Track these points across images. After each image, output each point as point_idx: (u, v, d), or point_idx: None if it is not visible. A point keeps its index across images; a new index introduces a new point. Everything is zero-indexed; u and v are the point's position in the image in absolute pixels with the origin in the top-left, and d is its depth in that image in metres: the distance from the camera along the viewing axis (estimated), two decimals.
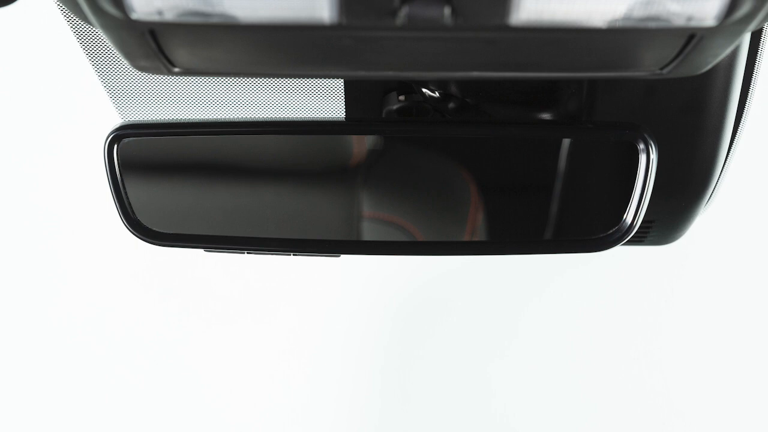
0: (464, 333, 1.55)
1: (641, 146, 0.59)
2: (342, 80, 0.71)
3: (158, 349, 1.55)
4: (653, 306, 1.54)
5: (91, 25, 0.35)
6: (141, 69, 0.38)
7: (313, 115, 0.74)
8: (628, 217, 0.61)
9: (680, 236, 0.75)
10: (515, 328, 1.55)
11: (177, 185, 0.65)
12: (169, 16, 0.33)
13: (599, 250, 0.63)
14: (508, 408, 1.54)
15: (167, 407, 1.55)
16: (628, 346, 1.54)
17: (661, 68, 0.38)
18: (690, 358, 1.53)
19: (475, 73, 0.38)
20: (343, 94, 0.72)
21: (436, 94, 0.71)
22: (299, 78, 0.70)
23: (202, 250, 0.64)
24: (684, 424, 1.52)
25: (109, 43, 0.36)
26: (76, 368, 1.54)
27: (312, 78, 0.69)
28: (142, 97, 0.73)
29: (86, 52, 0.69)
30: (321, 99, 0.72)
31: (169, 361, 1.55)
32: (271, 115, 0.75)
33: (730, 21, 0.33)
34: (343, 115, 0.74)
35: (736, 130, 0.67)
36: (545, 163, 0.63)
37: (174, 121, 0.66)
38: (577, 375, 1.54)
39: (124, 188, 0.61)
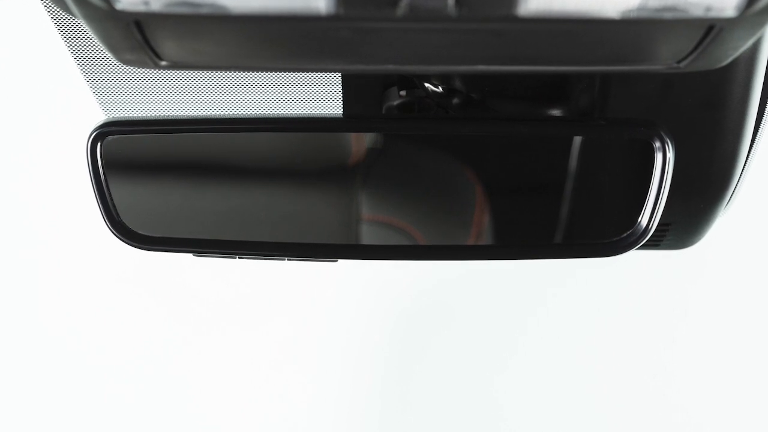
0: (468, 341, 1.55)
1: (657, 144, 0.59)
2: (339, 74, 0.71)
3: (146, 358, 1.55)
4: (669, 314, 1.54)
5: (72, 15, 0.35)
6: (126, 63, 0.38)
7: (309, 112, 0.74)
8: (643, 219, 0.61)
9: (698, 240, 0.75)
10: (522, 337, 1.55)
11: (164, 186, 0.65)
12: (155, 7, 0.33)
13: (612, 255, 0.63)
14: (517, 422, 1.54)
15: (158, 417, 1.55)
16: (642, 354, 1.54)
17: (678, 62, 0.38)
18: (710, 368, 1.53)
19: (481, 67, 0.38)
20: (340, 90, 0.72)
21: (440, 89, 0.71)
22: (294, 72, 0.70)
23: (191, 254, 0.64)
24: None
25: (93, 35, 0.36)
26: (63, 376, 1.54)
27: (308, 72, 0.69)
28: (128, 93, 0.73)
29: (68, 45, 0.69)
30: (317, 95, 0.72)
31: (157, 371, 1.55)
32: (265, 111, 0.75)
33: (751, 12, 0.33)
34: (341, 112, 0.74)
35: (758, 126, 0.67)
36: (555, 162, 0.63)
37: (161, 118, 0.66)
38: (588, 385, 1.54)
39: (108, 189, 0.61)
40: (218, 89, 0.73)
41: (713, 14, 0.33)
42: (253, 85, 0.72)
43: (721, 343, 1.53)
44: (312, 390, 1.55)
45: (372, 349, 1.55)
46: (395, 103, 0.72)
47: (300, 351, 1.56)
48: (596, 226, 0.65)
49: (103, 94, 0.74)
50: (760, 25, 0.35)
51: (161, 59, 0.37)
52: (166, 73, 0.71)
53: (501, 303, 1.55)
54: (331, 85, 0.71)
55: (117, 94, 0.74)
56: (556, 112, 0.70)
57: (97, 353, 1.54)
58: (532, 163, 0.64)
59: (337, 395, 1.55)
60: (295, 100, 0.73)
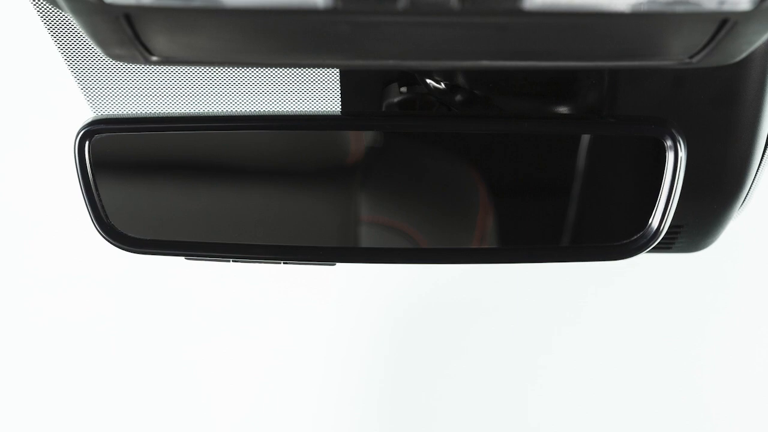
0: (470, 347, 1.55)
1: (669, 143, 0.59)
2: (338, 70, 0.71)
3: (140, 364, 1.55)
4: (680, 318, 1.54)
5: (59, 9, 0.35)
6: (115, 58, 0.38)
7: (306, 109, 0.74)
8: (654, 221, 0.61)
9: (712, 242, 0.75)
10: (522, 339, 1.55)
11: (155, 186, 0.65)
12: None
13: (622, 258, 0.63)
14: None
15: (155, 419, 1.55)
16: (656, 361, 1.54)
17: (691, 57, 0.38)
18: (737, 380, 1.53)
19: (485, 62, 0.38)
20: (339, 86, 0.72)
21: (442, 86, 0.71)
22: (290, 68, 0.70)
23: (183, 258, 0.64)
24: None
25: (80, 29, 0.36)
26: (55, 379, 1.54)
27: (305, 68, 0.69)
28: (117, 89, 0.73)
29: (54, 39, 0.69)
30: (315, 91, 0.72)
31: (153, 374, 1.55)
32: (260, 108, 0.75)
33: (766, 5, 0.33)
34: (339, 109, 0.74)
35: None
36: (562, 161, 0.63)
37: (152, 116, 0.66)
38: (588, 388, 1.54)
39: (97, 190, 0.61)
40: (211, 85, 0.73)
41: (727, 8, 0.33)
42: (248, 81, 0.72)
43: (733, 346, 1.53)
44: (309, 398, 1.55)
45: (371, 353, 1.55)
46: (396, 100, 0.72)
47: (297, 357, 1.55)
48: (605, 228, 0.65)
49: (92, 91, 0.74)
50: None
51: (152, 54, 0.37)
52: (157, 69, 0.71)
53: (501, 305, 1.55)
54: (329, 82, 0.72)
55: (106, 91, 0.74)
56: (563, 110, 0.70)
57: (88, 358, 1.54)
58: (538, 163, 0.64)
59: (336, 398, 1.55)
60: (291, 97, 0.73)
